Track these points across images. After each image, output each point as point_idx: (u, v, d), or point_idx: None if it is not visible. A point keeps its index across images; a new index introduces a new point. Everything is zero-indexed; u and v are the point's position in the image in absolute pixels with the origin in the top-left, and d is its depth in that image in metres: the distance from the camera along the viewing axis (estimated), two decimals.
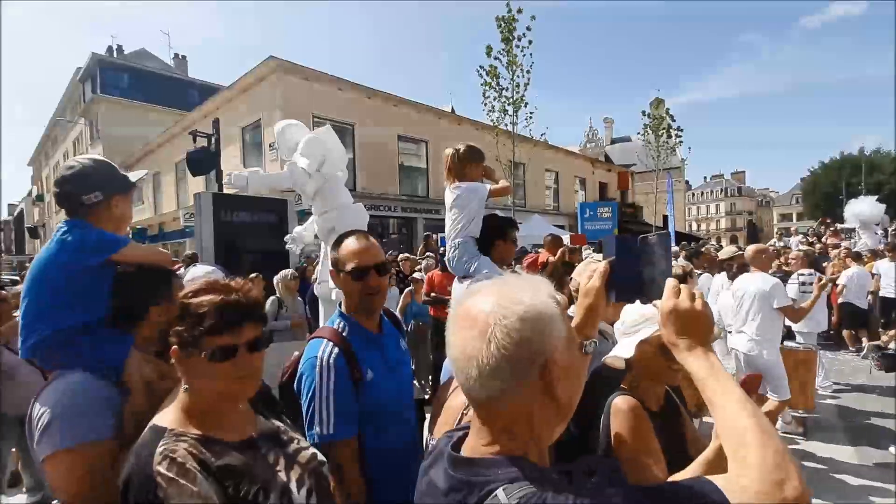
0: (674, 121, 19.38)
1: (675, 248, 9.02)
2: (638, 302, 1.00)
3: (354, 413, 1.38)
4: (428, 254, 7.52)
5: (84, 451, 1.17)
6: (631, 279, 0.98)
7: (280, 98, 13.11)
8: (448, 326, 0.73)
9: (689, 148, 22.74)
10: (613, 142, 43.04)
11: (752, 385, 3.55)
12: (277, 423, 1.15)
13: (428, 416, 1.55)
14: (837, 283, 7.27)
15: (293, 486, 1.00)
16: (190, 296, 1.01)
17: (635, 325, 1.42)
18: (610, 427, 1.36)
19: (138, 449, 0.93)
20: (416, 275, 6.00)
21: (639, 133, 21.95)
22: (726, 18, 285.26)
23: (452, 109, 23.56)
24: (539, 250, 6.28)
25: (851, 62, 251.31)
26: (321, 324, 3.18)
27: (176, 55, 35.07)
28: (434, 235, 8.58)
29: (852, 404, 5.04)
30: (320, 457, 1.13)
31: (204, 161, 7.80)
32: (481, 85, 12.77)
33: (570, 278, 2.49)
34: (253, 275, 5.15)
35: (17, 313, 1.48)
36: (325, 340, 1.43)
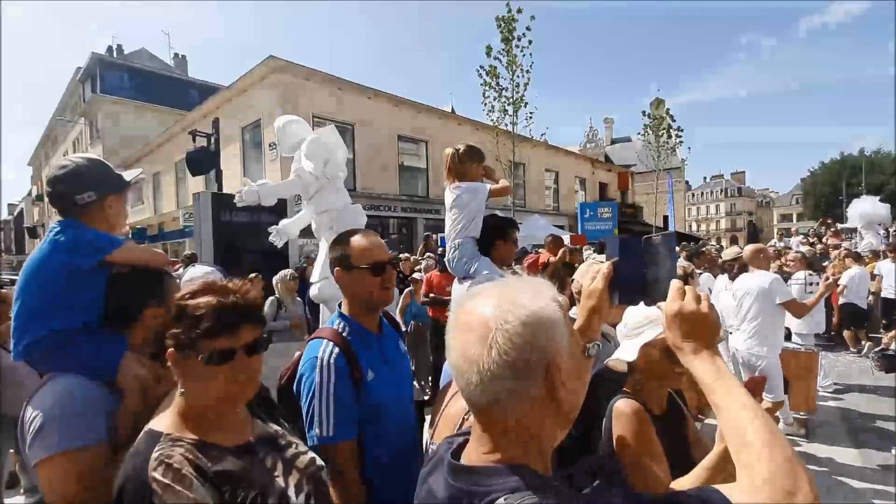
0: (674, 121, 19.40)
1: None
2: (641, 303, 0.99)
3: (355, 414, 1.37)
4: (428, 254, 7.51)
5: (77, 455, 1.15)
6: (634, 280, 0.96)
7: (280, 98, 13.10)
8: (448, 330, 0.71)
9: (689, 148, 22.72)
10: (613, 142, 43.05)
11: (757, 388, 3.54)
12: (275, 427, 1.13)
13: (428, 417, 1.53)
14: (838, 283, 7.26)
15: (291, 491, 0.99)
16: (187, 297, 0.99)
17: (638, 327, 1.40)
18: (612, 430, 1.35)
19: (133, 454, 0.92)
20: (415, 275, 5.98)
21: (639, 133, 21.97)
22: (726, 18, 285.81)
23: (452, 109, 23.55)
24: (539, 251, 6.27)
25: (851, 62, 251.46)
26: (321, 324, 3.17)
27: (176, 55, 35.06)
28: (434, 235, 8.56)
29: (854, 406, 5.03)
30: (319, 461, 1.11)
31: (203, 161, 7.79)
32: (481, 85, 12.78)
33: (572, 279, 2.47)
34: (252, 275, 5.14)
35: None
36: (326, 340, 1.42)
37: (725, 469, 1.09)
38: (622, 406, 1.36)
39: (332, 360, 1.36)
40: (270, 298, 4.90)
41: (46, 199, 1.46)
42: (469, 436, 0.75)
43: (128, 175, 1.54)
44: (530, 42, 12.33)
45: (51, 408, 1.18)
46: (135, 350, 1.31)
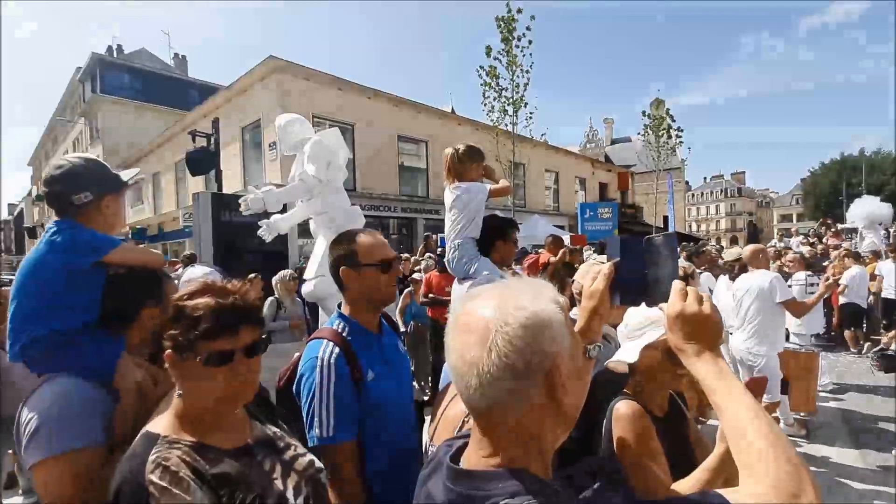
0: (674, 121, 19.41)
1: None
2: (643, 304, 0.98)
3: (355, 415, 1.37)
4: (427, 254, 7.50)
5: (73, 458, 1.13)
6: (635, 281, 0.95)
7: (280, 98, 13.09)
8: (447, 332, 0.71)
9: (689, 148, 22.73)
10: (613, 142, 43.05)
11: (758, 388, 3.53)
12: (274, 428, 1.12)
13: (428, 418, 1.52)
14: (839, 283, 7.25)
15: (290, 494, 0.98)
16: (185, 298, 0.98)
17: (640, 328, 1.39)
18: (612, 432, 1.34)
19: (130, 456, 0.91)
20: (415, 275, 5.97)
21: (639, 133, 21.98)
22: (726, 19, 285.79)
23: (452, 109, 23.56)
24: (539, 251, 6.27)
25: (851, 62, 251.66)
26: (320, 325, 3.17)
27: (176, 55, 35.08)
28: (434, 236, 8.56)
29: (855, 406, 5.02)
30: (318, 464, 1.10)
31: (203, 161, 7.79)
32: (481, 85, 12.79)
33: (572, 280, 2.46)
34: (252, 275, 5.13)
35: None
36: (326, 341, 1.41)
37: (727, 470, 1.09)
38: (622, 407, 1.35)
39: (332, 360, 1.36)
40: (270, 299, 4.89)
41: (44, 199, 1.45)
42: (468, 439, 0.74)
43: (125, 175, 1.52)
44: (530, 42, 12.34)
45: (46, 410, 1.17)
46: (132, 351, 1.30)
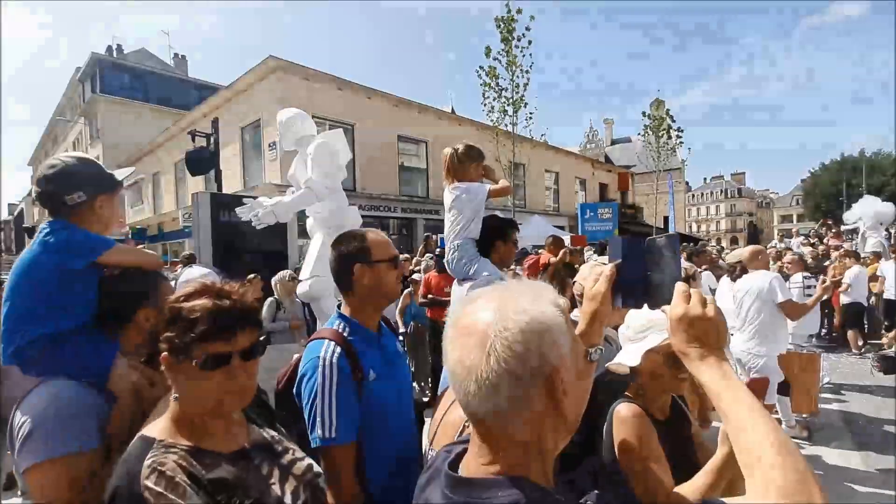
0: (674, 121, 19.41)
1: None
2: (645, 307, 0.96)
3: (356, 416, 1.36)
4: (427, 255, 7.49)
5: (66, 462, 1.12)
6: (637, 283, 0.94)
7: (280, 98, 13.07)
8: (445, 335, 0.69)
9: (689, 149, 22.71)
10: (614, 142, 43.00)
11: (760, 389, 3.53)
12: (272, 432, 1.11)
13: (428, 420, 1.51)
14: (842, 282, 7.24)
15: (287, 499, 0.97)
16: (182, 300, 0.96)
17: (642, 330, 1.38)
18: (613, 435, 1.33)
19: (125, 461, 0.89)
20: (415, 276, 5.95)
21: (639, 134, 21.98)
22: (727, 19, 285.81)
23: (452, 110, 23.56)
24: (540, 251, 6.25)
25: (851, 62, 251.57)
26: (319, 325, 3.16)
27: (176, 55, 35.07)
28: (434, 236, 8.54)
29: (856, 408, 5.00)
30: (316, 468, 1.09)
31: (203, 161, 7.79)
32: (481, 85, 12.78)
33: (574, 281, 2.45)
34: (251, 275, 5.12)
35: None
36: (328, 340, 1.40)
37: (730, 472, 1.08)
38: (623, 410, 1.34)
39: (334, 360, 1.34)
40: (269, 299, 4.88)
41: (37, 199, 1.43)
42: (468, 444, 0.72)
43: (119, 174, 1.50)
44: (530, 42, 12.34)
45: (40, 413, 1.15)
46: (128, 353, 1.28)
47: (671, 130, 19.39)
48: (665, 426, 1.38)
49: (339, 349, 1.37)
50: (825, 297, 4.58)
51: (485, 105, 13.05)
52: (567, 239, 8.85)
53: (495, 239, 2.43)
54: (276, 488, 0.97)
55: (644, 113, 19.75)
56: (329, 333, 1.44)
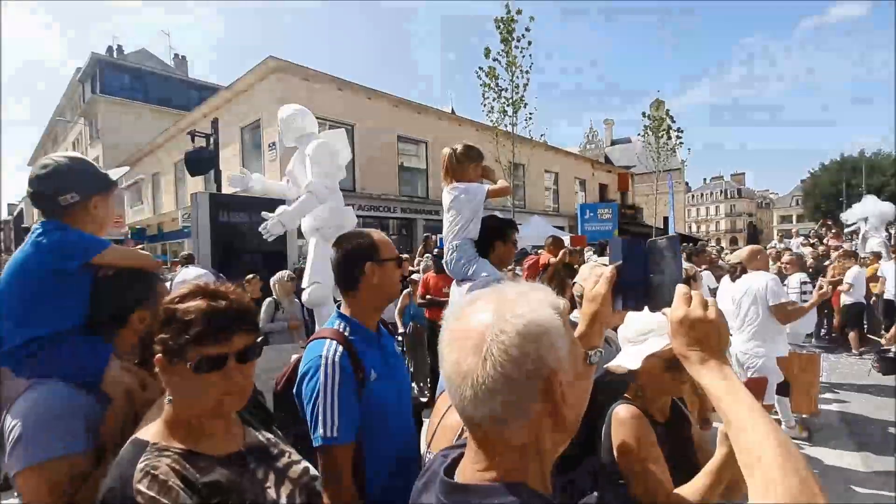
0: (674, 122, 19.40)
1: None
2: (646, 309, 0.95)
3: (357, 416, 1.35)
4: (426, 255, 7.48)
5: (57, 465, 1.10)
6: (638, 285, 0.93)
7: (279, 98, 13.05)
8: (441, 338, 0.67)
9: (689, 149, 22.69)
10: (613, 143, 43.00)
11: (759, 389, 3.51)
12: (268, 435, 1.09)
13: (427, 421, 1.50)
14: (843, 282, 7.24)
15: (283, 502, 0.95)
16: (177, 301, 0.94)
17: (643, 332, 1.37)
18: (611, 436, 1.32)
19: (118, 464, 0.88)
20: (414, 276, 5.94)
21: (639, 134, 21.97)
22: (727, 19, 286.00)
23: (452, 110, 23.55)
24: (539, 252, 6.24)
25: (851, 62, 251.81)
26: (318, 326, 3.16)
27: (176, 55, 35.10)
28: (433, 236, 8.53)
29: (857, 408, 5.00)
30: (312, 471, 1.08)
31: (202, 161, 7.79)
32: (480, 86, 12.77)
33: (574, 282, 2.44)
34: (250, 276, 5.11)
35: None
36: (329, 340, 1.39)
37: (730, 474, 1.07)
38: (621, 412, 1.33)
39: (337, 360, 1.34)
40: (268, 300, 4.86)
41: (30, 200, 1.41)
42: (465, 449, 0.71)
43: (114, 174, 1.48)
44: (529, 43, 12.34)
45: (30, 416, 1.14)
46: (122, 355, 1.27)
47: (671, 131, 19.39)
48: (665, 427, 1.37)
49: (340, 348, 1.37)
50: (822, 301, 4.57)
51: (484, 105, 13.06)
52: (567, 239, 8.85)
53: (494, 239, 2.42)
54: (271, 492, 0.96)
55: (644, 113, 19.77)
56: (330, 333, 1.43)
